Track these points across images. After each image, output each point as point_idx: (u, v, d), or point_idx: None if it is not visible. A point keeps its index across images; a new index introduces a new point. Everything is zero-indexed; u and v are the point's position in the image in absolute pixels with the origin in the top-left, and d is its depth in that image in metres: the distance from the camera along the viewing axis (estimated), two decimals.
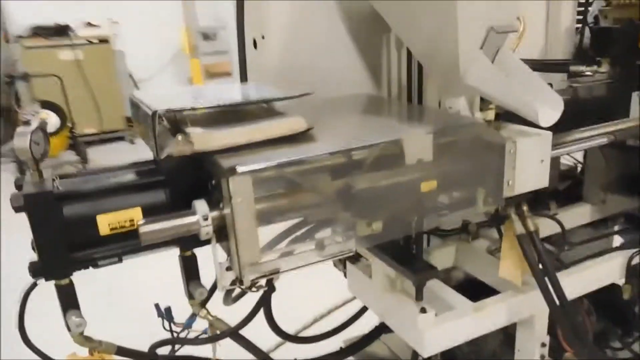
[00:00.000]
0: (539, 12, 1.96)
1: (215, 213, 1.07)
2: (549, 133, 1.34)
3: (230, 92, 1.52)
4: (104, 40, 7.22)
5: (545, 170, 1.37)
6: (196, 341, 1.46)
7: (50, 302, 1.20)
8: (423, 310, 1.37)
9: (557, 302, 1.42)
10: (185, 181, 1.18)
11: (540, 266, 1.43)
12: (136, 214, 1.15)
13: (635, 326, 1.89)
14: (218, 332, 1.42)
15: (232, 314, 1.57)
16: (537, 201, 2.01)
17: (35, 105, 5.94)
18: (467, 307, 1.48)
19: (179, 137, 1.10)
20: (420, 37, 1.49)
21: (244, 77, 1.59)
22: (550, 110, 1.28)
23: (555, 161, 2.18)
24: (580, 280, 1.65)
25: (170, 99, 1.34)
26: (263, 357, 1.59)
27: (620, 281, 1.75)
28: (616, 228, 2.19)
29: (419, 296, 1.37)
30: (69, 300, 1.20)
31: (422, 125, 1.43)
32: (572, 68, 1.73)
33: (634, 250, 1.67)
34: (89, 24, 7.30)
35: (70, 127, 6.37)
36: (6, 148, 6.81)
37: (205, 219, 1.06)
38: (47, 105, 6.09)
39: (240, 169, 1.02)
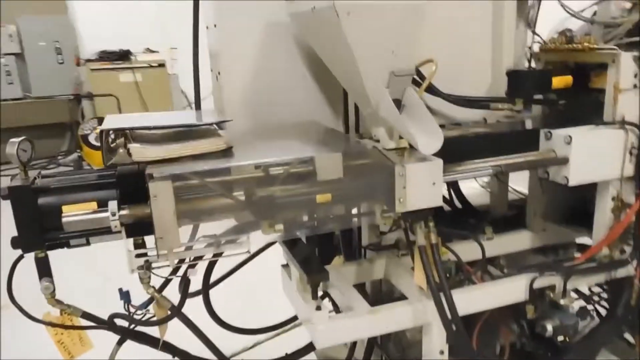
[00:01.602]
0: (484, 53, 2.19)
1: (125, 212, 1.39)
2: (440, 160, 1.58)
3: (175, 118, 1.86)
4: (161, 64, 7.89)
5: (438, 191, 1.59)
6: (147, 323, 1.78)
7: None
8: (318, 308, 1.64)
9: (449, 312, 1.62)
10: (131, 184, 1.52)
11: (437, 277, 1.66)
12: (92, 206, 1.50)
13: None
14: (163, 309, 1.73)
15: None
16: (475, 225, 2.25)
17: (93, 121, 6.59)
18: (363, 309, 1.72)
19: (120, 150, 1.45)
20: (342, 76, 1.79)
21: (198, 106, 1.93)
22: (430, 141, 1.55)
23: (503, 192, 2.42)
24: (485, 296, 1.86)
25: (128, 122, 1.69)
26: (204, 339, 1.90)
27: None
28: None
29: (314, 295, 1.65)
30: (43, 270, 1.55)
31: (323, 149, 1.69)
32: (492, 105, 1.96)
33: (537, 273, 1.86)
34: (149, 50, 8.03)
35: None
36: (70, 158, 7.57)
37: (114, 214, 1.38)
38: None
39: (156, 176, 1.36)
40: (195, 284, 2.03)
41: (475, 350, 1.86)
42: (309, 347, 2.31)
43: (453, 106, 2.01)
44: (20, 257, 1.59)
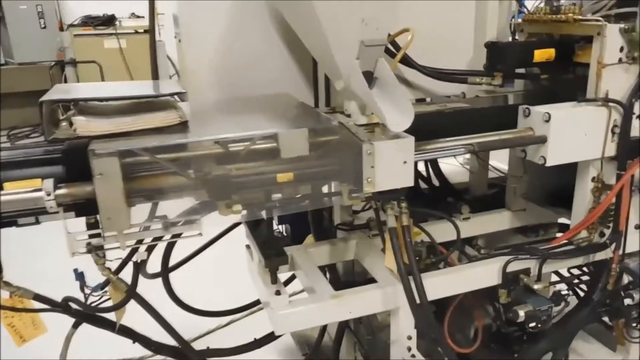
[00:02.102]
0: (467, 25, 2.08)
1: (62, 191, 1.29)
2: (411, 138, 1.48)
3: (130, 89, 1.75)
4: (147, 31, 7.67)
5: (409, 170, 1.50)
6: (103, 309, 1.70)
7: None
8: (277, 293, 1.57)
9: (417, 296, 1.55)
10: (78, 160, 1.41)
11: (407, 261, 1.58)
12: (36, 183, 1.40)
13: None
14: (119, 291, 1.65)
15: None
16: (453, 205, 2.17)
17: None
18: (326, 294, 1.64)
19: (63, 123, 1.34)
20: (312, 46, 1.68)
21: (155, 76, 1.82)
22: (401, 118, 1.45)
23: (483, 170, 2.34)
24: (457, 280, 1.79)
25: (77, 92, 1.58)
26: (162, 322, 1.83)
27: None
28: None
29: (273, 280, 1.57)
30: None
31: (288, 125, 1.55)
32: (470, 79, 1.86)
33: (511, 257, 1.79)
34: (134, 15, 7.77)
35: None
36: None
37: (49, 194, 1.28)
38: None
39: (98, 151, 1.25)
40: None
41: (447, 333, 1.80)
42: None
43: (434, 80, 1.91)
44: None
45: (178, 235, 1.44)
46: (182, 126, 1.45)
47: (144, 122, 1.40)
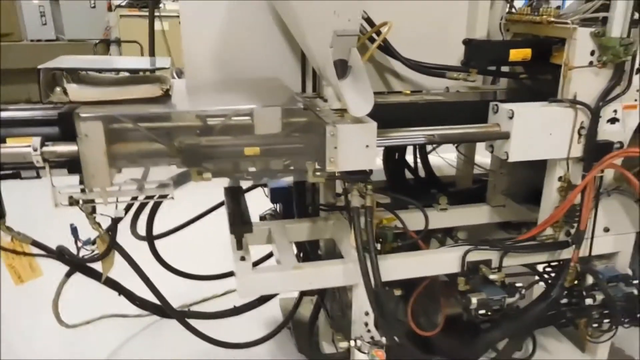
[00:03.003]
0: (460, 21, 2.15)
1: (49, 148, 1.45)
2: (374, 123, 1.58)
3: (125, 63, 1.91)
4: None
5: (371, 154, 1.60)
6: (90, 259, 1.88)
7: None
8: (242, 259, 1.70)
9: (372, 277, 1.65)
10: (70, 122, 1.58)
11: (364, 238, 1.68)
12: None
13: None
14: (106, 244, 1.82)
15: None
16: (433, 196, 2.26)
17: None
18: (290, 265, 1.77)
19: (57, 89, 1.51)
20: (297, 36, 1.80)
21: (152, 52, 1.97)
22: (361, 103, 1.56)
23: (468, 166, 2.41)
24: (419, 264, 1.90)
25: (76, 63, 1.74)
26: (145, 279, 1.99)
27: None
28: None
29: (238, 246, 1.71)
30: None
31: (262, 104, 1.64)
32: (448, 74, 1.93)
33: (471, 246, 1.88)
34: None
35: None
36: None
37: (35, 150, 1.44)
38: None
39: (83, 115, 1.42)
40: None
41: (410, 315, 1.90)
42: (261, 300, 2.38)
43: (423, 75, 1.99)
44: None
45: (151, 197, 1.59)
46: (163, 99, 1.60)
47: (128, 93, 1.56)
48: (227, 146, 1.56)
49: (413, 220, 1.97)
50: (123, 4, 7.82)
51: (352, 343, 1.86)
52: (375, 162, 1.65)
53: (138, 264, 1.99)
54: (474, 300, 1.83)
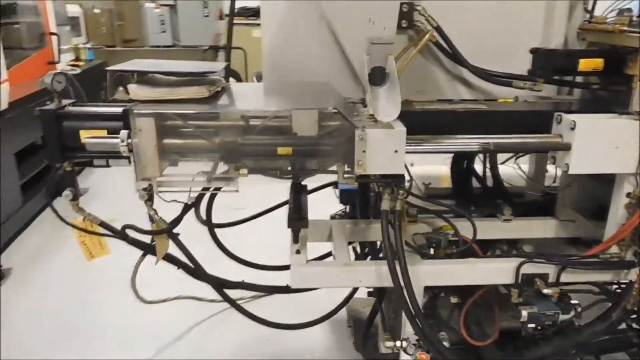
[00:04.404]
0: (535, 30, 2.07)
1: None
2: (403, 129, 1.57)
3: (181, 67, 1.99)
4: None
5: (399, 160, 1.59)
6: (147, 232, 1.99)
7: None
8: (297, 252, 1.77)
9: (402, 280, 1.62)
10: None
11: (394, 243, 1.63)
12: (103, 133, 1.74)
13: None
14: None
15: None
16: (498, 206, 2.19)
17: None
18: (340, 262, 1.84)
19: (120, 88, 1.66)
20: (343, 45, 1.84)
21: (228, 58, 2.24)
22: (390, 109, 1.57)
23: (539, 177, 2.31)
24: (468, 272, 1.84)
25: (142, 66, 1.88)
26: (191, 258, 2.12)
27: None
28: None
29: (295, 239, 1.76)
30: (68, 181, 1.84)
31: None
32: (514, 83, 1.87)
33: (526, 258, 1.79)
34: None
35: None
36: None
37: (122, 141, 1.58)
38: (229, 70, 7.24)
39: (136, 112, 1.55)
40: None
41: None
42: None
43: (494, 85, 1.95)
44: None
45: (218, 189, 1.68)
46: (213, 99, 1.71)
47: (178, 93, 1.67)
48: (262, 145, 1.62)
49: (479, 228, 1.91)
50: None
51: (398, 344, 1.88)
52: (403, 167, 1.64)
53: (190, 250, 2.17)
54: (524, 313, 1.77)
